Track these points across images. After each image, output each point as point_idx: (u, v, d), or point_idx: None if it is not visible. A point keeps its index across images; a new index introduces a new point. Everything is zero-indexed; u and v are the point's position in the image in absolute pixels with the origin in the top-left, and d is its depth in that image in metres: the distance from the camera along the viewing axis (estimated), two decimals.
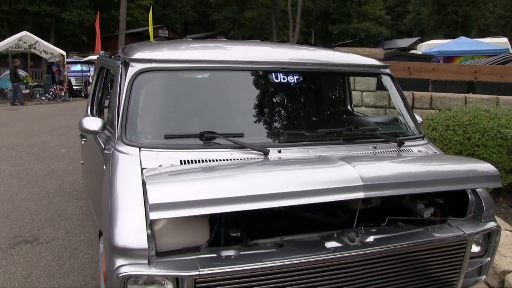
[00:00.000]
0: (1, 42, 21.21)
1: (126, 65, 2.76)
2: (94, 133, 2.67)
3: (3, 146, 9.53)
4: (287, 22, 44.96)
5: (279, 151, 2.49)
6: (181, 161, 2.34)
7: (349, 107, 3.98)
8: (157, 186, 1.92)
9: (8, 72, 21.31)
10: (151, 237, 1.98)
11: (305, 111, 2.88)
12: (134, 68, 2.69)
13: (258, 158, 2.41)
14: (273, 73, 2.79)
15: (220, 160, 2.37)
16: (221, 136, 2.46)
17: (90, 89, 3.92)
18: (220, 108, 2.75)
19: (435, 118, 5.96)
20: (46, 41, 23.62)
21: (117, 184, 2.19)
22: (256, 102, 2.76)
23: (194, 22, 52.83)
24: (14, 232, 4.87)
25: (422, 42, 29.63)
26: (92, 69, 22.72)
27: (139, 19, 41.77)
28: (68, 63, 22.63)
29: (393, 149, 2.81)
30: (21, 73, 21.38)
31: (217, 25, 50.55)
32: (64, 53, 21.99)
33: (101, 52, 5.21)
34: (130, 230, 2.00)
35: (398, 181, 2.14)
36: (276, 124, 2.71)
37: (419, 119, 3.43)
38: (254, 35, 45.63)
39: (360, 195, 2.01)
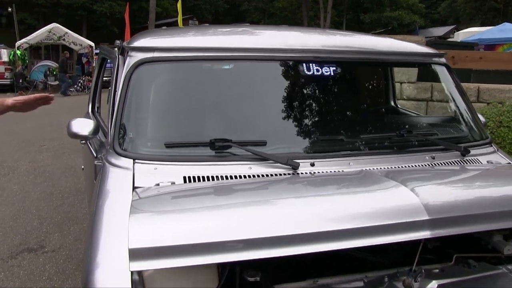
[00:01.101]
0: (32, 35, 21.39)
1: (124, 54, 2.25)
2: (84, 138, 2.17)
3: (25, 140, 9.27)
4: (318, 12, 43.94)
5: (312, 164, 1.93)
6: (185, 178, 1.81)
7: (393, 104, 3.36)
8: (143, 220, 1.40)
9: (40, 64, 21.41)
10: (138, 283, 1.47)
11: (344, 111, 2.29)
12: (132, 58, 2.18)
13: (285, 174, 1.87)
14: (304, 64, 2.22)
15: (236, 177, 1.83)
16: (238, 145, 1.92)
17: (91, 84, 3.42)
18: (237, 108, 2.19)
19: (485, 113, 5.32)
20: (78, 33, 23.69)
21: (102, 207, 1.69)
22: (282, 101, 2.19)
23: (224, 12, 52.40)
24: (19, 238, 4.47)
25: (458, 30, 28.33)
26: None
27: (169, 10, 41.70)
28: (97, 54, 22.46)
29: (457, 160, 2.22)
30: (52, 64, 21.45)
31: (247, 15, 49.93)
32: (92, 44, 21.90)
33: (118, 41, 4.76)
34: (110, 271, 1.48)
35: (475, 213, 1.56)
36: (307, 129, 2.14)
37: (482, 118, 2.81)
38: (284, 25, 44.75)
39: (424, 234, 1.45)
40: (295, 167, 1.88)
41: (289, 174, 1.87)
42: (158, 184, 1.75)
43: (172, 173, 1.83)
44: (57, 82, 20.22)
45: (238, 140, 1.94)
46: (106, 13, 37.44)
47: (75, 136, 2.13)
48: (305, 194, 1.68)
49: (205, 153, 1.92)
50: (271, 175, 1.86)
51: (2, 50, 20.24)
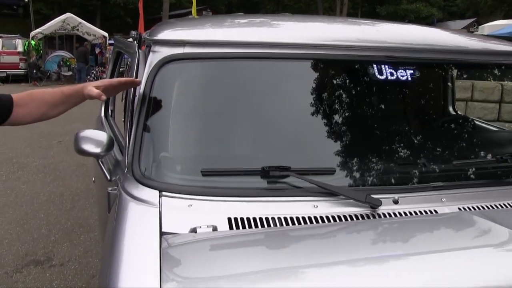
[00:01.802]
0: (46, 25, 21.12)
1: (146, 49, 1.80)
2: (95, 156, 1.72)
3: (36, 134, 8.88)
4: (333, 4, 43.10)
5: (396, 202, 1.46)
6: (230, 220, 1.35)
7: (458, 113, 2.85)
8: None
9: (54, 54, 21.12)
10: None
11: (431, 129, 1.80)
12: (156, 55, 1.72)
13: (362, 216, 1.39)
14: (375, 65, 1.74)
15: (298, 219, 1.36)
16: (299, 174, 1.45)
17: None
18: (296, 123, 1.70)
19: None
20: (92, 23, 23.37)
21: (119, 264, 1.22)
22: (353, 114, 1.70)
23: (237, 3, 51.74)
24: (26, 247, 4.06)
25: (479, 24, 27.39)
26: None
27: (183, 1, 41.30)
28: (110, 44, 22.17)
29: None
30: (66, 54, 21.16)
31: (261, 6, 49.18)
32: (106, 34, 21.56)
33: (133, 32, 4.27)
34: None
35: None
36: (386, 152, 1.65)
37: None
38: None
39: None
40: (374, 205, 1.41)
41: (366, 215, 1.40)
42: (194, 230, 1.29)
43: (213, 212, 1.36)
44: (70, 73, 19.90)
45: (298, 168, 1.46)
46: (119, 3, 37.23)
47: (84, 153, 1.67)
48: (404, 252, 1.20)
49: (255, 184, 1.46)
50: (343, 216, 1.38)
51: (17, 40, 20.00)
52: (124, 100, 3.47)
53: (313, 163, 1.54)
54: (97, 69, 19.98)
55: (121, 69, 3.64)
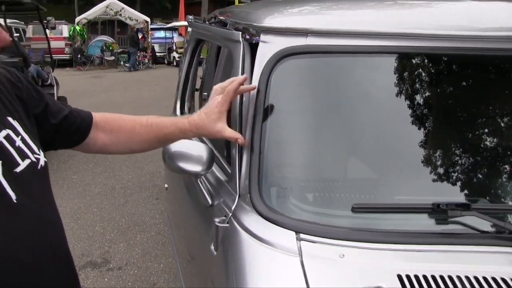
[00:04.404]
0: (91, 10, 21.32)
1: (252, 40, 1.43)
2: (194, 175, 1.37)
3: None
4: None
5: None
6: (401, 278, 0.97)
7: None
8: None
9: (97, 39, 21.22)
10: None
11: None
12: (270, 47, 1.35)
13: None
14: None
15: (488, 283, 0.97)
16: (482, 213, 1.06)
17: (179, 73, 2.54)
18: (473, 143, 1.30)
19: None
20: (132, 7, 23.32)
21: None
22: None
23: None
24: (81, 246, 3.83)
25: None
26: (175, 35, 22.06)
27: None
28: (152, 29, 22.11)
29: None
30: (108, 39, 21.24)
31: None
32: (148, 19, 21.53)
33: (190, 17, 3.89)
34: None
35: None
36: None
37: None
38: None
39: None
40: None
41: None
42: None
43: (375, 266, 1.00)
44: (113, 58, 19.92)
45: (480, 206, 1.07)
46: None
47: (181, 171, 1.32)
48: None
49: (426, 226, 1.08)
50: None
51: (63, 26, 20.16)
52: (199, 92, 3.12)
53: (498, 194, 1.15)
54: (139, 54, 19.90)
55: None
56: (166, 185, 2.56)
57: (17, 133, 0.99)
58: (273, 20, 1.44)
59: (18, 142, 0.98)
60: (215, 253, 1.23)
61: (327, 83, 1.38)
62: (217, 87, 1.32)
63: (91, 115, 1.25)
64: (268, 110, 1.28)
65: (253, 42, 1.44)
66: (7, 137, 0.96)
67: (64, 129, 1.17)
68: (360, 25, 1.37)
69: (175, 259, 2.50)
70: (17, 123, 1.01)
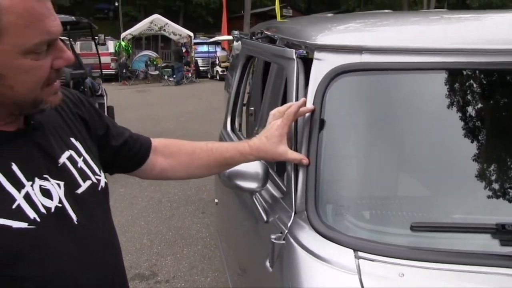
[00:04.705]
0: (135, 26, 21.92)
1: (305, 57, 1.44)
2: (250, 192, 1.39)
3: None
4: None
5: None
6: None
7: None
8: None
9: (141, 54, 21.78)
10: None
11: None
12: (324, 64, 1.36)
13: None
14: None
15: None
16: None
17: (230, 90, 2.57)
18: None
19: None
20: (175, 22, 23.85)
21: None
22: None
23: (317, 0, 51.07)
24: (130, 258, 3.91)
25: None
26: (218, 49, 22.34)
27: None
28: (195, 44, 22.49)
29: None
30: (152, 54, 21.75)
31: (342, 2, 48.08)
32: (191, 34, 21.89)
33: (236, 32, 3.93)
34: None
35: None
36: None
37: None
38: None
39: None
40: None
41: None
42: None
43: (436, 287, 0.97)
44: (157, 72, 20.35)
45: None
46: (201, 3, 38.35)
47: (237, 188, 1.35)
48: None
49: (487, 247, 1.05)
50: None
51: (109, 41, 20.81)
52: (246, 107, 3.15)
53: None
54: (183, 68, 20.25)
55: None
56: (216, 200, 2.60)
57: (79, 154, 1.01)
58: (326, 37, 1.45)
59: (80, 163, 1.00)
60: (271, 269, 1.24)
61: (382, 100, 1.37)
62: (274, 111, 1.32)
63: (150, 140, 1.26)
64: (323, 127, 1.29)
65: (307, 60, 1.46)
66: (70, 158, 0.98)
67: (124, 153, 1.18)
68: (414, 42, 1.36)
69: (224, 272, 2.51)
70: (79, 144, 1.03)
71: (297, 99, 1.43)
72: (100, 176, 1.04)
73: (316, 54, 1.41)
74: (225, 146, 1.32)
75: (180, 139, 1.34)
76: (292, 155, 1.26)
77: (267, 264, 1.27)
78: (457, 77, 1.36)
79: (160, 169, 1.26)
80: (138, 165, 1.23)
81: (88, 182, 0.99)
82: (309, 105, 1.32)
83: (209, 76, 21.58)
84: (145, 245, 4.20)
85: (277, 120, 1.28)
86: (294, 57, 1.49)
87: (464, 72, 1.37)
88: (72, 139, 1.02)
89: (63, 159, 0.96)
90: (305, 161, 1.25)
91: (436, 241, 1.11)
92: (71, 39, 7.94)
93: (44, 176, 0.90)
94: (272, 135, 1.25)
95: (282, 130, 1.25)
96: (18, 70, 0.81)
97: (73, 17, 6.95)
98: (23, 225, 0.83)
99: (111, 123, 1.19)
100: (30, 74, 0.82)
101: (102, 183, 1.05)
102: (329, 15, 2.81)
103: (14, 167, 0.85)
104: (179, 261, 3.86)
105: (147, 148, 1.24)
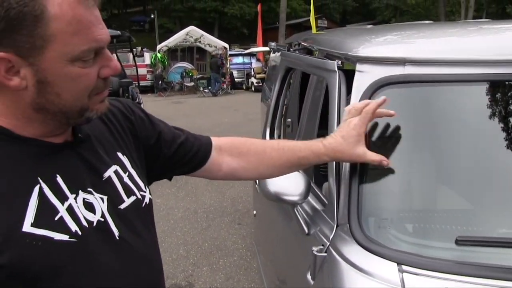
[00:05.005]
0: (171, 38, 22.26)
1: (346, 69, 1.45)
2: (291, 204, 1.40)
3: None
4: (455, 7, 40.28)
5: None
6: None
7: None
8: None
9: (177, 65, 22.11)
10: None
11: None
12: (367, 76, 1.36)
13: None
14: None
15: None
16: None
17: (269, 102, 2.59)
18: None
19: None
20: (210, 34, 24.15)
21: None
22: None
23: (352, 11, 50.93)
24: (166, 269, 3.95)
25: None
26: (253, 61, 22.47)
27: (297, 10, 41.93)
28: (230, 55, 22.68)
29: None
30: (187, 66, 22.03)
31: (378, 13, 47.72)
32: (227, 45, 22.10)
33: (272, 43, 3.95)
34: None
35: None
36: None
37: None
38: None
39: None
40: None
41: None
42: None
43: None
44: (192, 83, 20.61)
45: None
46: (236, 15, 38.77)
47: (279, 200, 1.36)
48: None
49: None
50: None
51: (145, 53, 21.18)
52: (283, 119, 3.16)
53: None
54: (221, 80, 20.43)
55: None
56: (254, 212, 2.61)
57: (125, 169, 1.00)
58: (368, 49, 1.45)
59: (125, 179, 0.98)
60: (312, 282, 1.24)
61: (424, 112, 1.36)
62: (350, 108, 1.24)
63: (210, 140, 1.21)
64: (366, 140, 1.28)
65: (349, 72, 1.46)
66: (115, 173, 0.97)
67: (179, 158, 1.15)
68: (457, 53, 1.35)
69: (261, 283, 2.51)
70: (125, 158, 1.02)
71: (339, 111, 1.43)
72: (145, 192, 1.03)
73: (358, 66, 1.41)
74: (298, 145, 1.25)
75: (250, 138, 1.29)
76: (372, 156, 1.18)
77: (308, 276, 1.27)
78: (500, 89, 1.34)
79: (228, 169, 1.21)
80: (197, 168, 1.18)
81: (132, 198, 0.98)
82: None
83: (244, 88, 21.72)
84: (181, 255, 4.24)
85: (353, 118, 1.21)
86: (336, 69, 1.50)
87: (507, 83, 1.34)
88: (119, 154, 1.01)
89: (108, 173, 0.95)
90: (386, 162, 1.18)
91: (481, 255, 1.08)
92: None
93: (88, 189, 0.90)
94: (349, 134, 1.18)
95: (360, 129, 1.18)
96: (66, 78, 0.81)
97: (118, 31, 7.21)
98: (65, 237, 0.83)
99: (165, 127, 1.15)
100: (77, 82, 0.83)
101: (147, 200, 1.03)
102: (368, 26, 2.81)
103: (59, 179, 0.86)
104: (215, 272, 3.88)
105: (206, 150, 1.19)
